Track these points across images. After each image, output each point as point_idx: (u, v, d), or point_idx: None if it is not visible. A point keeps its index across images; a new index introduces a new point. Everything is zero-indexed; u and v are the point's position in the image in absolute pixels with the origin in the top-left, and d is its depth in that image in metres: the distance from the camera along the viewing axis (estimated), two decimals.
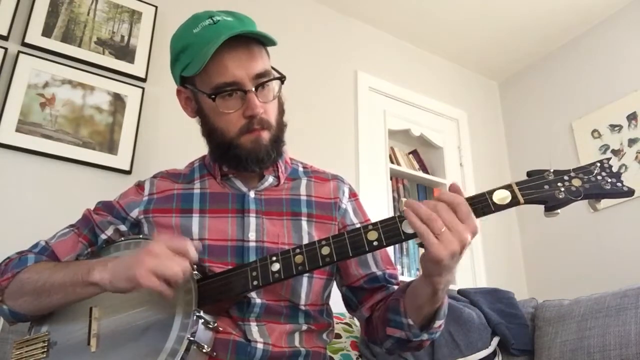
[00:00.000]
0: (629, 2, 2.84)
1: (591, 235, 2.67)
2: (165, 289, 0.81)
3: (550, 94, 3.16)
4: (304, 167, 1.17)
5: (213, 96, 0.96)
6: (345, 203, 1.12)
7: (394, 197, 2.79)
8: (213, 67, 0.95)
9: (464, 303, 1.84)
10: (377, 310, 1.03)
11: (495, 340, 1.73)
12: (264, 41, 1.00)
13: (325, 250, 0.87)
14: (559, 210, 0.83)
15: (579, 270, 2.70)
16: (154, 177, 1.13)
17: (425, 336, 0.92)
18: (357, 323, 1.94)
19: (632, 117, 2.69)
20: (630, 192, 0.83)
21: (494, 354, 1.71)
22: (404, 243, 2.62)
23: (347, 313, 1.93)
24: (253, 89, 0.96)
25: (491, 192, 0.83)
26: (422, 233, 0.77)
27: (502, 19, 2.99)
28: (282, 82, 1.02)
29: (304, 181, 1.12)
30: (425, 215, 0.78)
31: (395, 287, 1.06)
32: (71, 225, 1.08)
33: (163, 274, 0.81)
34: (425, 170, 3.02)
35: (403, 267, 2.64)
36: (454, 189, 0.82)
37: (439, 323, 0.92)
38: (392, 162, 2.87)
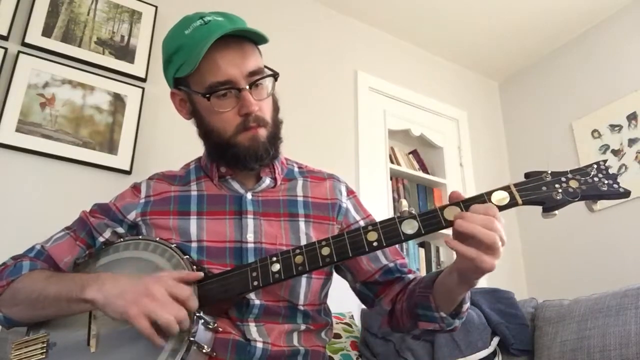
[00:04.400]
0: (629, 2, 2.84)
1: (591, 235, 2.67)
2: (154, 336, 0.80)
3: (550, 94, 3.17)
4: (299, 167, 1.17)
5: (207, 95, 0.96)
6: (345, 202, 1.13)
7: (394, 197, 2.79)
8: (206, 67, 0.95)
9: None
10: (398, 302, 1.03)
11: (495, 340, 1.73)
12: (255, 39, 1.00)
13: (325, 251, 0.87)
14: (556, 212, 0.84)
15: (579, 270, 2.71)
16: (150, 178, 1.12)
17: (457, 322, 0.94)
18: (358, 323, 1.94)
19: (632, 117, 2.69)
20: (626, 194, 0.84)
21: (494, 354, 1.71)
22: (403, 243, 2.62)
23: (347, 313, 1.95)
24: (247, 87, 0.96)
25: (490, 193, 0.84)
26: (474, 257, 0.78)
27: (502, 19, 2.99)
28: (276, 79, 1.03)
29: (300, 182, 1.12)
30: (489, 241, 0.77)
31: (409, 275, 1.06)
32: (67, 228, 1.07)
33: (156, 320, 0.79)
34: (425, 170, 3.02)
35: None
36: (455, 196, 0.84)
37: (466, 307, 0.94)
38: (392, 162, 2.87)
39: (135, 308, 0.80)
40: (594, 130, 2.84)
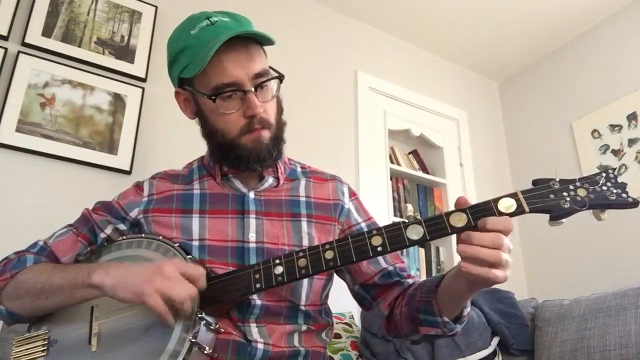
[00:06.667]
0: (629, 2, 2.84)
1: (591, 235, 2.67)
2: (166, 313, 0.81)
3: (550, 94, 3.17)
4: (302, 168, 1.18)
5: (213, 97, 0.96)
6: (348, 203, 1.13)
7: (394, 197, 2.79)
8: (212, 68, 0.94)
9: None
10: (397, 307, 1.03)
11: (495, 340, 1.73)
12: (261, 41, 1.00)
13: (329, 255, 0.87)
14: (563, 220, 0.82)
15: (579, 270, 2.71)
16: (153, 177, 1.12)
17: (458, 327, 0.94)
18: (358, 323, 1.95)
19: (632, 117, 2.69)
20: (635, 204, 0.82)
21: (494, 354, 1.71)
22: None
23: (347, 313, 1.95)
24: (252, 89, 0.96)
25: (496, 200, 0.83)
26: (489, 277, 0.77)
27: (502, 19, 2.99)
28: (281, 81, 1.03)
29: (302, 182, 1.12)
30: (494, 260, 0.77)
31: (408, 280, 1.06)
32: (69, 225, 1.07)
33: (170, 297, 0.81)
34: (425, 170, 3.02)
35: None
36: (462, 202, 0.83)
37: (467, 311, 0.94)
38: (392, 162, 2.87)
39: (149, 286, 0.81)
40: (594, 130, 2.84)
